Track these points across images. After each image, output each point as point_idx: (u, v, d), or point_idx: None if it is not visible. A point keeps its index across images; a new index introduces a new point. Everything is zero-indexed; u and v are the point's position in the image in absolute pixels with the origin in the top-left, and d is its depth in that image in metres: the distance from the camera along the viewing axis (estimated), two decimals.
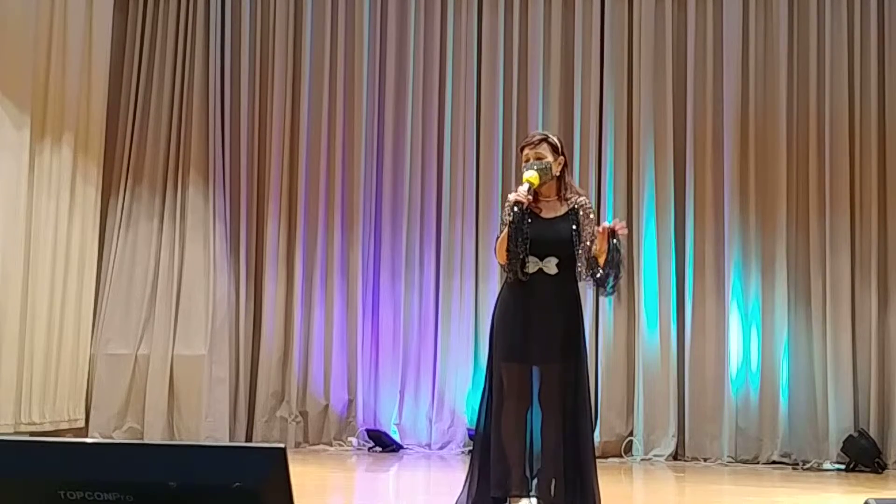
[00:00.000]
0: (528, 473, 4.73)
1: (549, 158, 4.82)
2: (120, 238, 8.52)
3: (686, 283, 8.11)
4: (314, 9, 8.68)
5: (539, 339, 4.69)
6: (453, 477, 7.23)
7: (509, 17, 8.54)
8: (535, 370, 4.73)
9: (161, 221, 8.54)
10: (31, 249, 7.42)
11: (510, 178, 8.35)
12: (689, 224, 8.16)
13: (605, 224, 4.68)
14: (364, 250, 8.45)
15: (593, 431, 4.86)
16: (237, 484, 2.00)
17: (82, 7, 7.92)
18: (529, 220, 4.70)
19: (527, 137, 5.06)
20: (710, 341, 8.03)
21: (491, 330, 4.90)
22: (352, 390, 8.36)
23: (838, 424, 7.71)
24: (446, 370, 8.27)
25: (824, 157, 8.02)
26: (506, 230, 4.70)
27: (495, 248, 4.83)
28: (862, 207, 7.99)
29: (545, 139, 4.88)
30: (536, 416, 4.74)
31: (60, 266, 7.74)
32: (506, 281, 4.83)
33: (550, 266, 4.72)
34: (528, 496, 4.71)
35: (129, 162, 8.60)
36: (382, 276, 8.45)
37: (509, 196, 4.83)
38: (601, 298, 8.14)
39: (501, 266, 4.82)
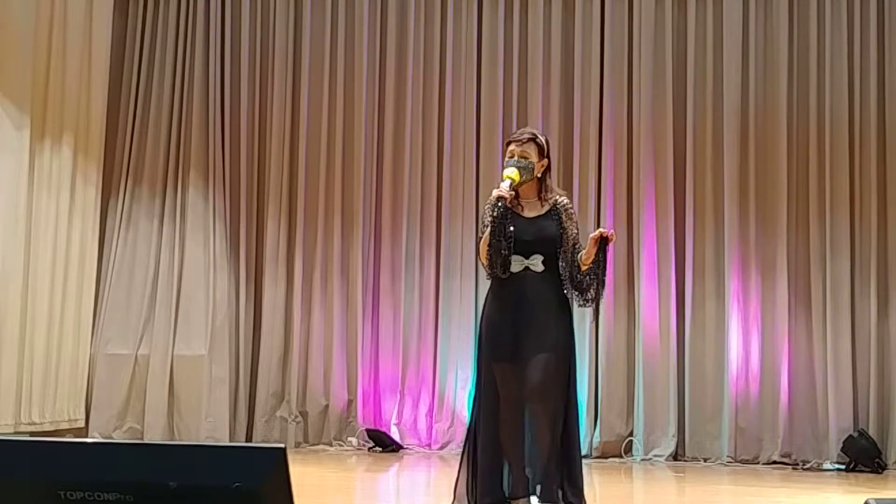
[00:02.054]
0: (527, 473, 4.69)
1: (534, 158, 4.78)
2: (120, 238, 8.52)
3: (686, 283, 8.11)
4: (314, 9, 8.68)
5: (528, 338, 4.65)
6: (453, 477, 7.23)
7: (509, 18, 8.54)
8: (526, 367, 4.67)
9: (161, 222, 8.54)
10: (31, 249, 7.41)
11: None
12: (688, 225, 8.16)
13: (602, 230, 4.66)
14: (364, 251, 8.45)
15: (579, 428, 4.81)
16: (237, 484, 2.00)
17: (82, 7, 7.92)
18: (510, 219, 4.65)
19: (515, 133, 5.01)
20: (710, 342, 8.03)
21: (480, 330, 4.86)
22: (352, 390, 8.37)
23: (838, 424, 7.72)
24: (446, 370, 8.28)
25: (824, 158, 8.02)
26: (488, 229, 4.65)
27: (478, 250, 4.79)
28: (862, 209, 7.99)
29: (533, 139, 4.83)
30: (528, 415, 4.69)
31: (60, 266, 7.73)
32: (492, 281, 4.78)
33: (536, 264, 4.69)
34: (528, 496, 4.67)
35: (129, 162, 8.60)
36: (382, 276, 8.45)
37: (493, 192, 4.75)
38: (600, 299, 8.15)
39: (484, 266, 4.77)
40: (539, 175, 4.81)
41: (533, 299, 4.68)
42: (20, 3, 7.26)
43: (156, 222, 8.55)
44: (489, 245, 4.63)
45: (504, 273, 4.64)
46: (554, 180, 5.10)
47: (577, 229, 4.83)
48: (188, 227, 8.47)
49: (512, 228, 4.63)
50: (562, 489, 4.65)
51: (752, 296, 8.01)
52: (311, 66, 8.64)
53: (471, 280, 8.31)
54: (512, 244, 4.63)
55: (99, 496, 2.03)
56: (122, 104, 8.68)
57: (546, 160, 4.84)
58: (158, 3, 8.77)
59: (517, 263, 4.68)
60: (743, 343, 7.99)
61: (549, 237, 4.72)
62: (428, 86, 8.56)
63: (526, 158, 4.76)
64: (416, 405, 8.32)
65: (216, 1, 8.67)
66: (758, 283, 8.03)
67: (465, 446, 4.90)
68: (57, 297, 7.71)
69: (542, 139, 4.86)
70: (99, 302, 8.36)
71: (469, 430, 4.90)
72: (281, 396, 8.41)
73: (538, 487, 4.64)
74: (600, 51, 8.40)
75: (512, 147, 4.82)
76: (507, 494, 4.71)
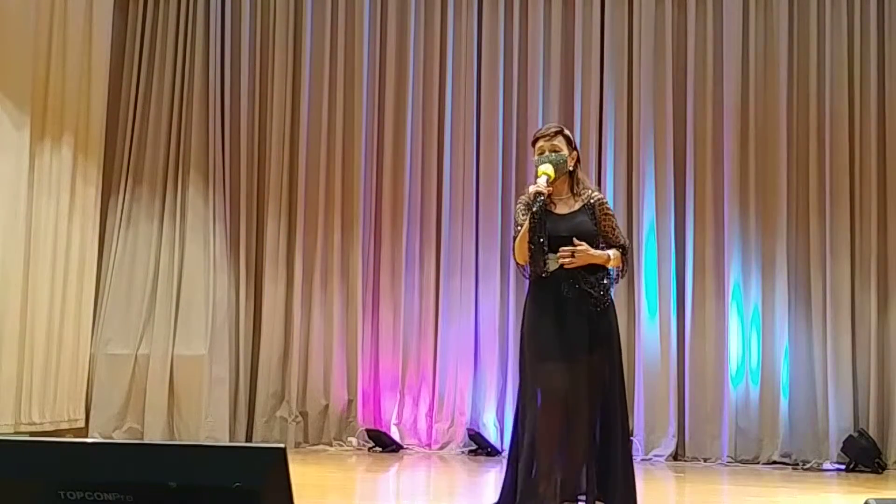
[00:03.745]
0: (564, 477, 4.50)
1: (565, 151, 4.66)
2: (120, 238, 8.52)
3: (686, 283, 8.11)
4: (314, 9, 8.68)
5: (570, 337, 4.50)
6: (454, 477, 7.24)
7: (509, 17, 8.54)
8: (570, 367, 4.52)
9: (161, 221, 8.55)
10: (31, 249, 7.42)
11: (510, 178, 8.36)
12: (689, 224, 8.16)
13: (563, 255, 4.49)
14: (364, 250, 8.45)
15: (629, 429, 4.65)
16: (237, 484, 1.99)
17: (82, 7, 7.92)
18: (546, 214, 4.50)
19: (540, 129, 4.88)
20: (710, 342, 8.03)
21: (521, 333, 4.71)
22: (352, 390, 8.37)
23: (838, 424, 7.72)
24: (446, 370, 8.28)
25: (824, 158, 8.03)
26: (524, 227, 4.50)
27: (513, 249, 4.63)
28: (862, 208, 8.00)
29: (560, 131, 4.71)
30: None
31: (60, 266, 7.74)
32: (531, 281, 4.63)
33: None
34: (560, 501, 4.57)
35: (129, 162, 8.61)
36: (382, 276, 8.45)
37: (529, 188, 4.60)
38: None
39: (521, 267, 4.62)
40: (571, 168, 4.69)
41: (572, 299, 4.51)
42: (20, 2, 7.26)
43: (156, 222, 8.55)
44: (530, 242, 4.48)
45: (545, 273, 4.49)
46: (585, 173, 4.94)
47: (615, 224, 4.70)
48: (188, 227, 8.47)
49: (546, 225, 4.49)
50: (620, 495, 4.51)
51: (752, 295, 8.02)
52: (311, 66, 8.64)
53: (471, 280, 8.32)
54: (547, 242, 4.49)
55: (99, 496, 2.03)
56: (122, 104, 8.68)
57: (576, 152, 4.73)
58: (158, 3, 8.77)
59: (553, 262, 4.52)
60: (743, 342, 7.99)
61: (586, 233, 4.56)
62: (428, 86, 8.56)
63: (557, 152, 4.64)
64: (416, 405, 8.33)
65: (216, 1, 8.67)
66: (758, 282, 8.03)
67: (512, 450, 4.72)
68: (57, 297, 7.71)
69: (568, 131, 4.75)
70: (99, 302, 8.37)
71: (515, 432, 4.71)
72: (281, 396, 8.41)
73: (593, 496, 4.49)
74: (600, 51, 8.40)
75: (540, 143, 4.69)
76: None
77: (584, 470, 4.53)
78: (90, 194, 8.15)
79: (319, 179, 8.54)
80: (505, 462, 4.77)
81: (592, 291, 4.55)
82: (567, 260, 4.48)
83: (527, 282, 4.72)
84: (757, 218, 8.10)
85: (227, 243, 8.48)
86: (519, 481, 4.54)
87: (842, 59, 8.09)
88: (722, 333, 8.01)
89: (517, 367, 5.10)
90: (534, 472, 4.52)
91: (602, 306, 4.58)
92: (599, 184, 8.27)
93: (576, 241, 4.51)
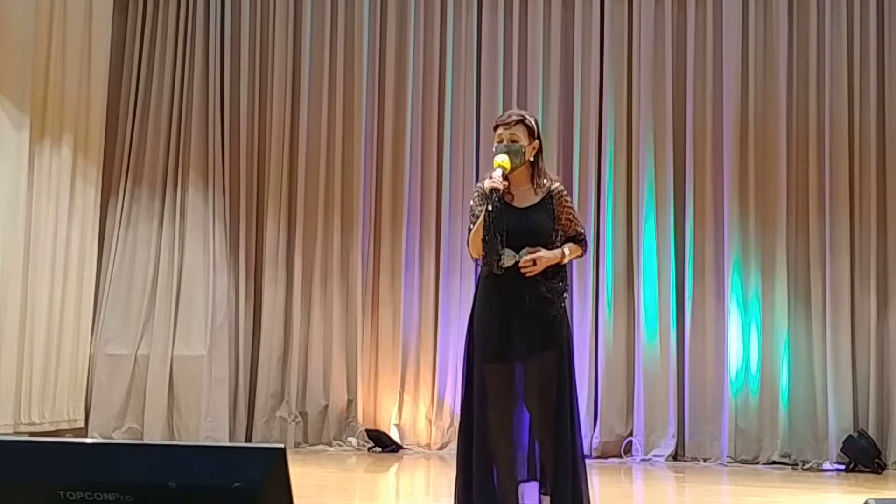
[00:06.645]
0: (517, 477, 4.51)
1: (524, 142, 4.54)
2: (120, 238, 8.52)
3: (686, 283, 8.11)
4: (314, 9, 8.68)
5: (519, 336, 4.45)
6: (453, 477, 7.23)
7: (509, 18, 8.54)
8: (520, 367, 4.50)
9: (161, 222, 8.54)
10: (31, 249, 7.42)
11: None
12: (688, 224, 8.16)
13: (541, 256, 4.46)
14: (363, 250, 8.45)
15: (578, 425, 4.57)
16: (237, 484, 2.00)
17: (82, 7, 7.92)
18: (502, 210, 4.42)
19: (502, 115, 4.76)
20: (710, 342, 8.03)
21: (469, 327, 4.65)
22: (352, 390, 8.36)
23: (838, 424, 7.72)
24: (446, 370, 8.27)
25: (824, 158, 8.03)
26: (479, 221, 4.43)
27: (467, 241, 4.57)
28: (862, 207, 8.00)
29: (522, 121, 4.58)
30: (526, 415, 4.52)
31: (60, 266, 7.74)
32: (481, 275, 4.58)
33: None
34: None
35: (129, 162, 8.60)
36: (382, 276, 8.44)
37: (483, 183, 4.52)
38: (600, 300, 8.16)
39: (475, 260, 4.57)
40: (531, 159, 4.59)
41: (524, 296, 4.46)
42: (20, 3, 7.26)
43: (156, 222, 8.55)
44: (484, 241, 4.41)
45: (498, 270, 4.43)
46: (546, 163, 4.81)
47: (573, 215, 4.62)
48: (188, 227, 8.47)
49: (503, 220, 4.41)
50: (567, 494, 4.47)
51: (752, 295, 8.02)
52: (311, 66, 8.64)
53: (470, 279, 8.29)
54: (504, 238, 4.42)
55: (98, 496, 2.03)
56: (122, 104, 8.68)
57: (537, 142, 4.60)
58: (158, 3, 8.77)
59: (507, 258, 4.44)
60: (743, 343, 7.99)
61: (542, 231, 4.51)
62: (428, 86, 8.56)
63: (515, 142, 4.53)
64: (416, 405, 8.32)
65: (216, 1, 8.66)
66: (758, 282, 8.03)
67: (458, 447, 4.69)
68: (57, 297, 7.71)
69: (531, 120, 4.62)
70: (99, 302, 8.36)
71: (460, 430, 4.69)
72: (281, 396, 8.40)
73: (547, 497, 4.47)
74: (600, 51, 8.40)
75: (500, 131, 4.58)
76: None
77: (553, 475, 4.47)
78: (90, 194, 8.15)
79: (319, 179, 8.54)
80: (455, 463, 4.69)
81: (549, 295, 4.50)
82: (529, 269, 4.42)
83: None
84: (757, 218, 8.09)
85: (226, 243, 8.48)
86: (475, 482, 4.49)
87: (842, 59, 8.08)
88: (722, 334, 8.00)
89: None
90: (494, 475, 4.49)
91: (557, 311, 4.53)
92: (599, 184, 8.28)
93: (529, 250, 4.45)
